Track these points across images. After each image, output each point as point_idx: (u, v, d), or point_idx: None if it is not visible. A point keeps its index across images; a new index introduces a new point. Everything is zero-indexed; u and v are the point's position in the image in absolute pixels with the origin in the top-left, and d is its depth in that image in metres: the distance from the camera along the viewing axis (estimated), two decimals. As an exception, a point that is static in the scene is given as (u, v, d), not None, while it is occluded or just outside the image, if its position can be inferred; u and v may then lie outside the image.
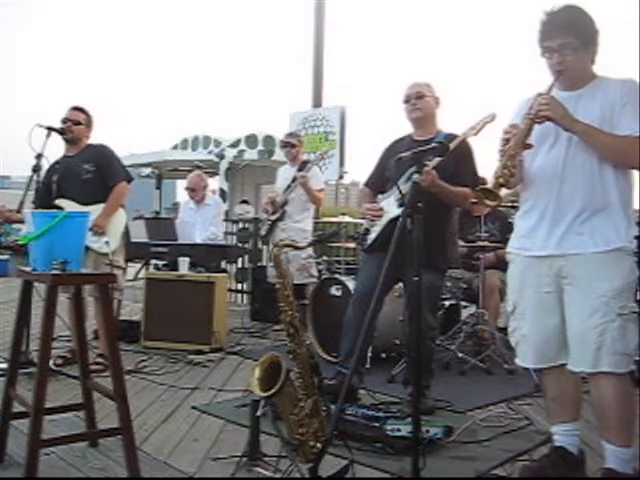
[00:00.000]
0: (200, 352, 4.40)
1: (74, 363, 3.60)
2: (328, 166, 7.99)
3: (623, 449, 2.16)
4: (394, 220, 3.00)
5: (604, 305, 2.13)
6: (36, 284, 2.48)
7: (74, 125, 4.00)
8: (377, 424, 2.69)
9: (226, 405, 3.27)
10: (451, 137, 3.01)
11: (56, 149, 4.07)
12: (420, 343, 2.39)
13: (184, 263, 4.80)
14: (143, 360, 4.25)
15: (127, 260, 4.98)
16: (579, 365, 2.21)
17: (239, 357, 4.49)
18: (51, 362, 3.58)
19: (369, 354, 3.86)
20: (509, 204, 4.11)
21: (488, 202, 2.18)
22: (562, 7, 2.25)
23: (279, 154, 8.79)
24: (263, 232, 5.47)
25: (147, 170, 13.32)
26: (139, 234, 5.29)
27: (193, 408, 3.22)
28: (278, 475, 2.33)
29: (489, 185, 2.21)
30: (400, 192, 2.62)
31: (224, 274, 5.18)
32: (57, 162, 4.05)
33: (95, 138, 4.15)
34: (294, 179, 5.10)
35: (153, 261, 5.63)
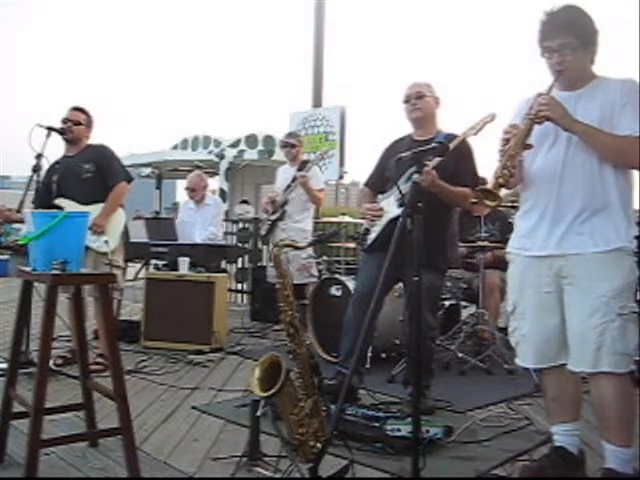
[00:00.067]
0: (200, 352, 4.40)
1: (74, 363, 3.60)
2: (328, 166, 7.99)
3: (623, 449, 2.16)
4: (394, 220, 3.00)
5: (604, 305, 2.13)
6: (36, 284, 2.48)
7: (74, 125, 4.00)
8: (377, 424, 2.69)
9: (226, 405, 3.27)
10: (451, 137, 3.01)
11: (56, 149, 4.08)
12: (420, 343, 2.39)
13: (184, 263, 4.80)
14: (143, 360, 4.25)
15: (127, 260, 4.99)
16: (579, 365, 2.21)
17: (239, 357, 4.49)
18: (51, 362, 3.58)
19: (369, 354, 3.86)
20: (509, 204, 4.11)
21: (488, 202, 2.18)
22: (562, 7, 2.25)
23: (279, 154, 8.79)
24: (263, 232, 5.47)
25: (147, 170, 13.33)
26: (139, 234, 5.29)
27: (193, 408, 3.22)
28: (278, 475, 2.33)
29: (489, 186, 2.21)
30: (400, 192, 2.62)
31: (224, 274, 5.18)
32: (57, 162, 4.05)
33: (95, 138, 4.16)
34: (294, 179, 5.10)
35: (153, 261, 5.63)
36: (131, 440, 2.29)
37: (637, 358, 2.58)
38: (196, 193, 5.64)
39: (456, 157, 3.05)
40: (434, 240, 2.98)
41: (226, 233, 6.87)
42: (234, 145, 11.52)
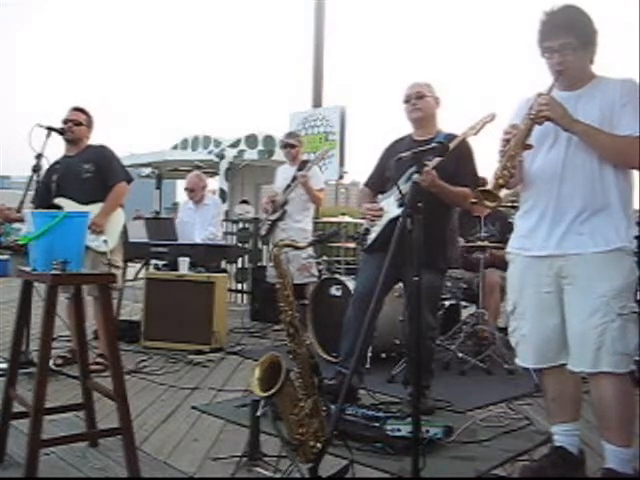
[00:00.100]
0: (200, 352, 4.40)
1: (74, 363, 3.60)
2: (328, 166, 7.99)
3: (623, 449, 2.16)
4: (394, 220, 3.00)
5: (604, 305, 2.13)
6: (36, 284, 2.48)
7: (75, 126, 4.01)
8: (377, 424, 2.69)
9: (226, 405, 3.27)
10: (451, 137, 3.01)
11: (56, 149, 4.08)
12: (420, 343, 2.39)
13: (184, 263, 4.80)
14: (143, 360, 4.25)
15: (127, 260, 4.99)
16: (579, 365, 2.21)
17: (239, 357, 4.49)
18: (51, 362, 3.58)
19: (369, 354, 3.86)
20: (509, 204, 4.11)
21: (488, 203, 2.18)
22: (561, 7, 2.25)
23: (279, 154, 8.79)
24: (263, 232, 5.47)
25: (147, 170, 13.33)
26: (139, 234, 5.29)
27: (193, 408, 3.22)
28: (278, 475, 2.33)
29: (489, 186, 2.21)
30: (400, 192, 2.62)
31: (224, 274, 5.18)
32: (57, 162, 4.05)
33: (95, 138, 4.16)
34: (294, 178, 5.10)
35: (153, 261, 5.63)
36: (131, 440, 2.29)
37: (637, 358, 2.58)
38: (195, 193, 5.64)
39: (456, 157, 3.05)
40: (434, 240, 2.98)
41: (226, 233, 6.87)
42: (234, 145, 11.52)
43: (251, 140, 11.49)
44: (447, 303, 4.71)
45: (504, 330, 3.73)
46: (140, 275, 5.68)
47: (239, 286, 7.32)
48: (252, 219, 7.49)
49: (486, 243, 4.47)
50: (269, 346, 4.85)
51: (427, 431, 2.59)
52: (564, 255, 2.22)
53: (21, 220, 3.66)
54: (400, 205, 2.57)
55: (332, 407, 2.29)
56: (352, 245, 5.51)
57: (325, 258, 5.49)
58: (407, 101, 3.35)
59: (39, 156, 3.69)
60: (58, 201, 3.91)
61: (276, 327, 5.41)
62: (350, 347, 3.25)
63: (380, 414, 2.81)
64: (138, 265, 5.81)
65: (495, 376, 4.02)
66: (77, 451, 2.52)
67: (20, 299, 2.49)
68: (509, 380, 3.89)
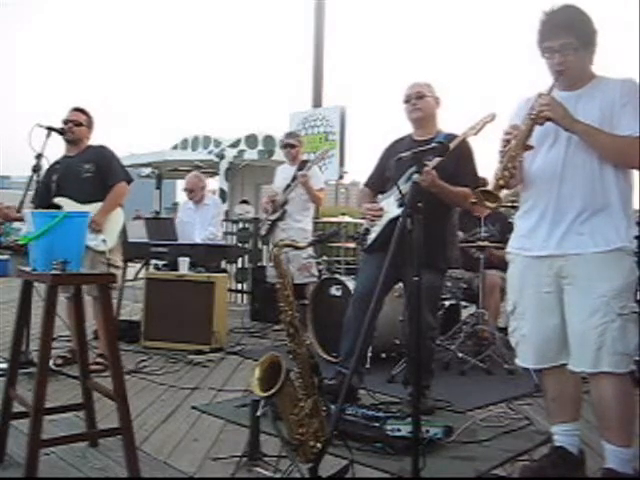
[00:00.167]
0: (200, 352, 4.40)
1: (74, 363, 3.60)
2: (328, 166, 7.99)
3: (623, 449, 2.16)
4: (394, 220, 3.00)
5: (604, 305, 2.13)
6: (36, 284, 2.48)
7: (75, 126, 4.01)
8: (377, 424, 2.69)
9: (226, 405, 3.27)
10: (451, 137, 3.01)
11: (56, 149, 4.08)
12: (420, 343, 2.39)
13: (184, 263, 4.80)
14: (143, 360, 4.25)
15: (127, 260, 4.99)
16: (579, 365, 2.21)
17: (239, 357, 4.49)
18: (51, 362, 3.58)
19: (369, 354, 3.86)
20: (509, 204, 4.11)
21: (489, 204, 2.18)
22: (561, 7, 2.25)
23: (279, 154, 8.79)
24: (263, 232, 5.47)
25: (147, 170, 13.33)
26: (139, 234, 5.29)
27: (193, 408, 3.22)
28: (278, 475, 2.33)
29: (489, 187, 2.21)
30: (400, 192, 2.62)
31: (224, 274, 5.18)
32: (57, 162, 4.05)
33: (95, 138, 4.17)
34: (294, 178, 5.10)
35: (153, 261, 5.63)
36: (131, 440, 2.29)
37: (637, 358, 2.58)
38: (194, 194, 5.64)
39: (456, 157, 3.05)
40: (434, 240, 2.98)
41: (226, 233, 6.87)
42: (234, 145, 11.52)
43: (251, 140, 11.49)
44: (447, 303, 4.71)
45: (504, 330, 3.73)
46: (140, 275, 5.68)
47: (239, 286, 7.32)
48: (252, 219, 7.49)
49: (486, 243, 4.47)
50: (269, 346, 4.85)
51: (427, 431, 2.59)
52: (564, 255, 2.22)
53: (21, 219, 3.66)
54: (400, 205, 2.57)
55: (332, 407, 2.29)
56: (352, 245, 5.51)
57: (325, 258, 5.49)
58: (407, 101, 3.35)
59: (39, 156, 3.69)
60: (58, 200, 3.91)
61: (276, 327, 5.41)
62: (350, 347, 3.25)
63: (380, 414, 2.81)
64: (138, 265, 5.82)
65: (495, 376, 4.02)
66: (77, 451, 2.52)
67: (20, 299, 2.49)
68: (509, 380, 3.89)
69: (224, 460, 2.49)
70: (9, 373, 2.48)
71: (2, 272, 9.74)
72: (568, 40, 2.20)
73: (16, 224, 5.17)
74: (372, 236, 3.33)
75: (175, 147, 12.48)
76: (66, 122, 3.99)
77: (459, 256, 3.56)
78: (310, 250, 5.08)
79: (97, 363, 3.81)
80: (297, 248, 2.60)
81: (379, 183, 3.46)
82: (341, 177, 8.53)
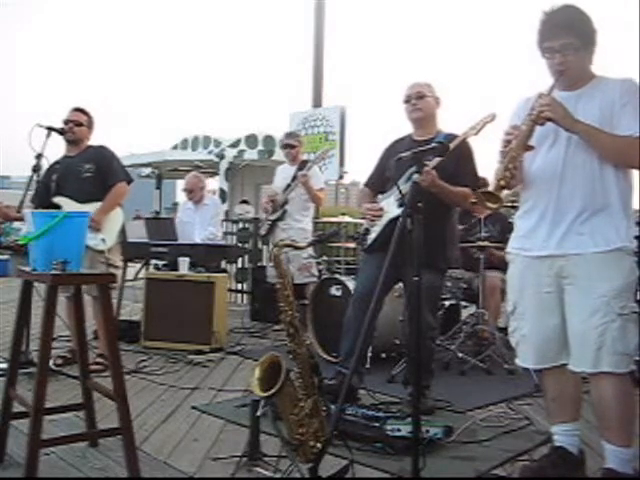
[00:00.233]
0: (200, 352, 4.40)
1: (74, 363, 3.60)
2: (328, 166, 7.99)
3: (623, 449, 2.16)
4: (394, 220, 3.00)
5: (604, 305, 2.13)
6: (36, 284, 2.48)
7: (76, 126, 4.01)
8: (377, 424, 2.69)
9: (226, 405, 3.27)
10: (451, 137, 3.01)
11: (56, 149, 4.08)
12: (420, 343, 2.39)
13: (184, 263, 4.80)
14: (143, 360, 4.25)
15: (127, 260, 4.99)
16: (580, 365, 2.21)
17: (239, 357, 4.49)
18: (51, 362, 3.58)
19: (369, 354, 3.86)
20: (509, 204, 4.11)
21: (490, 205, 2.18)
22: (561, 7, 2.25)
23: (279, 154, 8.78)
24: (263, 232, 5.47)
25: (147, 170, 13.34)
26: (139, 234, 5.29)
27: (193, 408, 3.22)
28: (278, 475, 2.33)
29: (490, 188, 2.20)
30: (400, 192, 2.62)
31: (224, 274, 5.18)
32: (57, 162, 4.05)
33: (95, 138, 4.17)
34: (294, 178, 5.10)
35: (153, 261, 5.63)
36: (131, 440, 2.29)
37: (637, 358, 2.58)
38: (194, 194, 5.64)
39: (456, 157, 3.05)
40: (434, 240, 2.98)
41: (226, 233, 6.87)
42: (234, 145, 11.53)
43: (251, 140, 11.50)
44: (447, 303, 4.71)
45: (504, 330, 3.73)
46: (140, 275, 5.68)
47: (239, 286, 7.32)
48: (252, 219, 7.49)
49: (486, 243, 4.47)
50: (269, 346, 4.85)
51: (427, 431, 2.59)
52: (564, 255, 2.22)
53: (21, 219, 3.66)
54: (400, 205, 2.57)
55: (332, 407, 2.29)
56: (352, 245, 5.51)
57: (325, 258, 5.49)
58: (407, 101, 3.35)
59: (39, 156, 3.69)
60: (57, 200, 3.91)
61: (276, 327, 5.41)
62: (350, 347, 3.25)
63: (380, 414, 2.81)
64: (138, 265, 5.82)
65: (495, 376, 4.02)
66: (77, 451, 2.52)
67: (20, 299, 2.49)
68: (509, 380, 3.89)
69: (224, 460, 2.49)
70: (9, 373, 2.48)
71: (2, 272, 9.74)
72: (568, 40, 2.20)
73: (16, 224, 5.17)
74: (372, 236, 3.33)
75: (175, 147, 12.48)
76: (67, 122, 3.99)
77: (459, 256, 3.56)
78: (310, 250, 5.08)
79: (97, 363, 3.81)
80: (297, 248, 2.61)
81: (379, 183, 3.46)
82: (341, 177, 8.53)
